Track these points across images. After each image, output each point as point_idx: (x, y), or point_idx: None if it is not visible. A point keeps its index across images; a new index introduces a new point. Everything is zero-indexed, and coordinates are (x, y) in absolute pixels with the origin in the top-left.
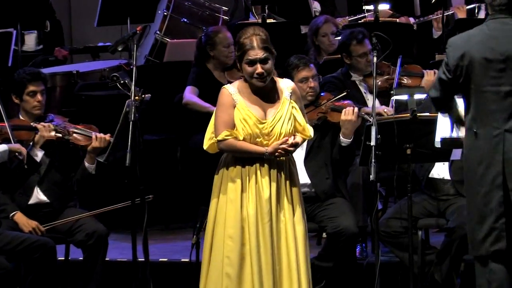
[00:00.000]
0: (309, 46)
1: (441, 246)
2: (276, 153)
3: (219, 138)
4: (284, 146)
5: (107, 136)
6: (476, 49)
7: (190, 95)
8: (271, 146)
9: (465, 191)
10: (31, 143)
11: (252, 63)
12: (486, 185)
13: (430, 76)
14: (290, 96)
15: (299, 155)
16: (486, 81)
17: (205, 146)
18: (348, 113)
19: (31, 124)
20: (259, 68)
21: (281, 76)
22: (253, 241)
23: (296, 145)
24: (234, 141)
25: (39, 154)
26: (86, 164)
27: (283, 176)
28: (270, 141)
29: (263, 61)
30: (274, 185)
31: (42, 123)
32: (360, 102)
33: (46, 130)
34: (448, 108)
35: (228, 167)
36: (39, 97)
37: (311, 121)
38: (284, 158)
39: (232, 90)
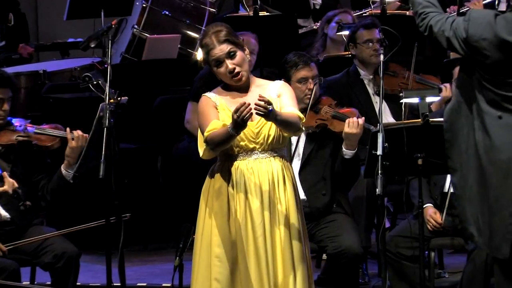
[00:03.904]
0: (318, 37)
1: (462, 275)
2: (240, 114)
3: (204, 136)
4: (242, 103)
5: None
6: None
7: (192, 116)
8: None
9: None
10: None
11: (219, 61)
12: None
13: (449, 93)
14: (277, 92)
15: (294, 166)
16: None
17: (201, 155)
18: (353, 126)
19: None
20: (229, 65)
21: (277, 75)
22: (241, 259)
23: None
24: (211, 133)
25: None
26: (64, 171)
27: (275, 182)
28: (258, 145)
29: (229, 55)
30: (266, 193)
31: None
32: (366, 105)
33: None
34: None
35: (214, 177)
36: (6, 106)
37: (308, 128)
38: (277, 159)
39: (211, 95)
